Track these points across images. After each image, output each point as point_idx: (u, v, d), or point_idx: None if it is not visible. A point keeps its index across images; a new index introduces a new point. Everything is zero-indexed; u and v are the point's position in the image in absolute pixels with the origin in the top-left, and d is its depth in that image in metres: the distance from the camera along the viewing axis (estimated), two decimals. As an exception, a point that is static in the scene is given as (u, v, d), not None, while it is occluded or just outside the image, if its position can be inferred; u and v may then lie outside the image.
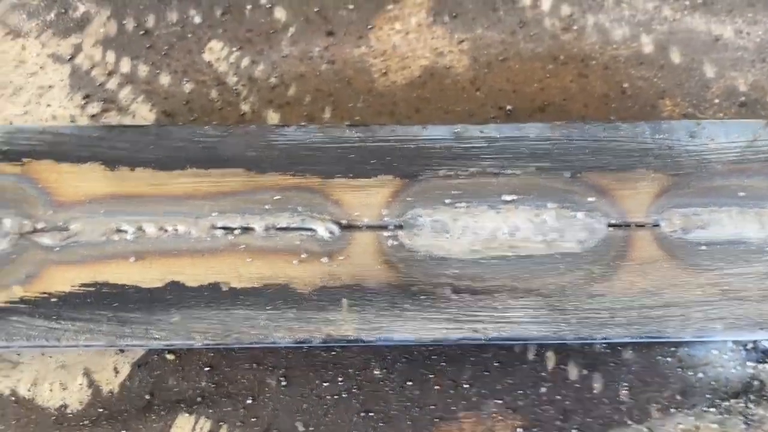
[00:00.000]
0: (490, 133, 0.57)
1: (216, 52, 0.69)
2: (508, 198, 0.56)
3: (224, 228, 0.55)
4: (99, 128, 0.57)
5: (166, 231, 0.54)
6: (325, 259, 0.54)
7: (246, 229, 0.55)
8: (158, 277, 0.53)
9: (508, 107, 0.68)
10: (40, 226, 0.54)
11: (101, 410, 0.60)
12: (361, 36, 0.69)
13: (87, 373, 0.61)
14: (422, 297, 0.53)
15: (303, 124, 0.59)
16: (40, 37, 0.69)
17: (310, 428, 0.60)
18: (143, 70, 0.68)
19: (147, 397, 0.60)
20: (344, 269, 0.54)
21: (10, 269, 0.53)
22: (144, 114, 0.66)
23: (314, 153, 0.56)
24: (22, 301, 0.53)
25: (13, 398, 0.60)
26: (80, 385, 0.60)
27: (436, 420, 0.60)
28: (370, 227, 0.55)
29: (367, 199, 0.55)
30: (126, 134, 0.56)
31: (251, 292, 0.53)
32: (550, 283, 0.54)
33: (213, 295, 0.53)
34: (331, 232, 0.54)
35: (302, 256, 0.54)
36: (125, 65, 0.68)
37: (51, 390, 0.60)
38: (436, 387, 0.61)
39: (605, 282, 0.53)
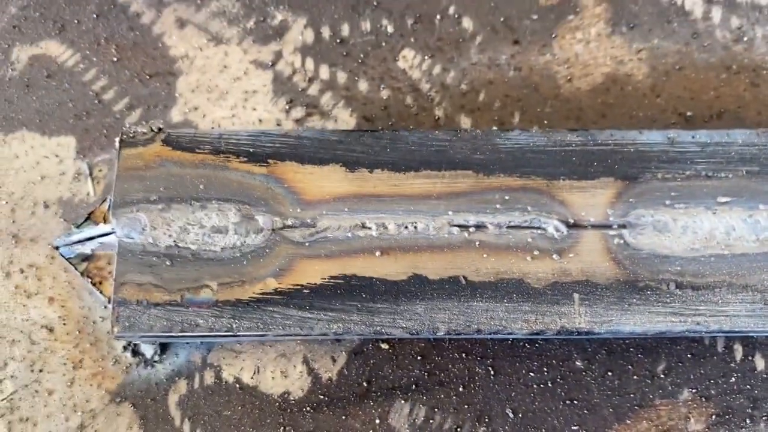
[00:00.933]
0: (701, 139, 0.61)
1: (409, 60, 0.72)
2: (723, 200, 0.59)
3: (459, 225, 0.58)
4: (337, 132, 0.60)
5: (406, 228, 0.58)
6: (555, 256, 0.58)
7: (479, 227, 0.58)
8: (402, 270, 0.57)
9: (688, 113, 0.72)
10: (289, 222, 0.58)
11: (322, 397, 0.63)
12: (545, 44, 0.73)
13: (306, 362, 0.64)
14: (648, 292, 0.57)
15: (526, 129, 0.63)
16: (242, 44, 0.72)
17: (519, 415, 0.63)
18: (342, 76, 0.71)
19: (364, 384, 0.64)
20: (574, 266, 0.58)
21: (264, 263, 0.57)
22: (345, 118, 0.70)
23: (538, 156, 0.60)
24: (276, 292, 0.56)
25: (238, 386, 0.64)
26: (300, 373, 0.64)
27: (635, 407, 0.64)
28: (595, 226, 0.59)
29: (591, 199, 0.59)
30: (363, 138, 0.60)
31: (488, 286, 0.57)
32: (766, 279, 0.57)
33: (453, 288, 0.57)
34: (559, 231, 0.58)
35: (534, 252, 0.58)
36: (324, 72, 0.72)
37: (273, 378, 0.64)
38: (634, 377, 0.65)
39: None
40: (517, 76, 0.72)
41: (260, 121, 0.70)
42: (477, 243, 0.58)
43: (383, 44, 0.73)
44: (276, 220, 0.58)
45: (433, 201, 0.59)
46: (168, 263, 0.56)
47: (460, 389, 0.64)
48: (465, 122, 0.70)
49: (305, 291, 0.56)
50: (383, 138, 0.60)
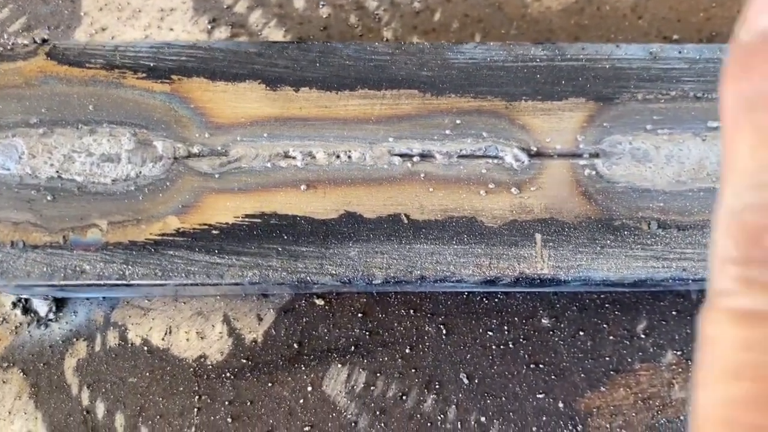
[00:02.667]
0: (689, 54, 0.51)
1: (354, -26, 0.62)
2: (714, 124, 0.50)
3: (402, 155, 0.49)
4: (257, 44, 0.50)
5: (338, 157, 0.48)
6: (514, 190, 0.48)
7: (425, 156, 0.49)
8: (332, 207, 0.47)
9: (674, 36, 0.62)
10: (195, 150, 0.48)
11: (245, 361, 0.54)
12: (509, -42, 0.63)
13: (227, 321, 0.55)
14: (625, 232, 0.48)
15: (482, 42, 0.53)
16: (159, -45, 0.62)
17: (475, 380, 0.54)
18: (274, -9, 0.61)
19: (295, 346, 0.54)
20: (536, 201, 0.48)
21: (164, 198, 0.47)
22: (277, 39, 0.60)
23: (496, 73, 0.50)
24: (178, 233, 0.47)
25: (146, 348, 0.54)
26: (220, 333, 0.54)
27: (611, 372, 0.55)
28: (562, 155, 0.49)
29: (558, 124, 0.50)
30: (287, 51, 0.50)
31: (434, 225, 0.47)
32: (764, 218, 0.48)
33: (393, 228, 0.47)
34: (519, 160, 0.48)
35: (489, 186, 0.48)
36: (254, -14, 0.61)
37: (188, 339, 0.54)
38: (610, 337, 0.56)
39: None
40: (479, -7, 0.62)
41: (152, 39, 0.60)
42: (422, 175, 0.48)
43: (324, -44, 0.63)
44: (179, 147, 0.48)
45: (371, 126, 0.49)
46: (49, 198, 0.47)
47: (407, 351, 0.55)
48: (417, 45, 0.60)
49: (214, 232, 0.47)
50: (312, 51, 0.50)
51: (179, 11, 0.61)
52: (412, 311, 0.56)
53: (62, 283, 0.46)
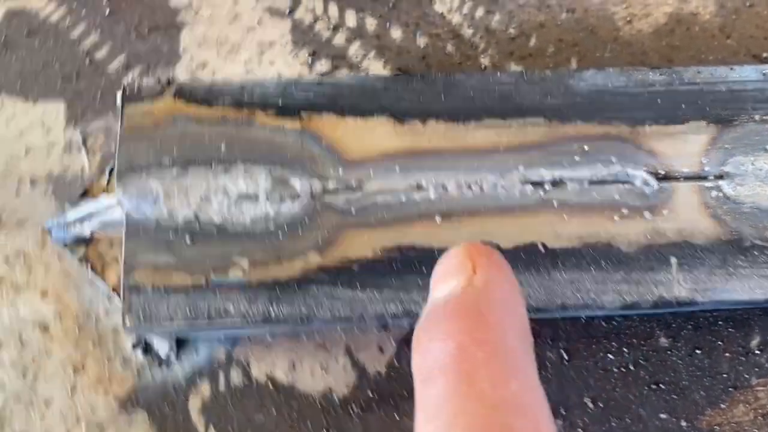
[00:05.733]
0: (801, 74, 0.52)
1: (447, 3, 0.63)
2: (832, 141, 0.51)
3: (533, 183, 0.49)
4: (382, 78, 0.51)
5: (470, 188, 0.49)
6: (647, 214, 0.49)
7: (557, 184, 0.49)
8: (468, 238, 0.48)
9: (763, 54, 0.63)
10: (331, 186, 0.48)
11: (371, 394, 0.54)
12: (598, -18, 0.64)
13: (349, 353, 0.55)
14: (755, 253, 0.48)
15: (601, 68, 0.53)
16: (254, -11, 0.62)
17: (600, 404, 0.55)
18: (371, 23, 0.62)
19: (419, 376, 0.54)
20: (669, 225, 0.49)
21: (303, 235, 0.47)
22: (377, 71, 0.61)
23: (619, 99, 0.51)
24: (320, 269, 0.47)
25: (271, 385, 0.54)
26: (343, 366, 0.55)
27: (729, 389, 0.55)
28: (688, 178, 0.50)
29: (682, 147, 0.50)
30: (413, 84, 0.51)
31: (571, 253, 0.48)
32: None
33: (530, 257, 0.48)
34: (649, 185, 0.49)
35: (623, 211, 0.49)
36: (351, 18, 0.62)
37: (312, 374, 0.54)
38: (726, 354, 0.56)
39: None
40: (571, 18, 0.63)
41: (279, 76, 0.60)
42: (555, 203, 0.49)
43: (417, -14, 0.63)
44: (314, 184, 0.48)
45: (500, 155, 0.49)
46: (188, 240, 0.47)
47: (530, 377, 0.55)
48: (515, 70, 0.61)
49: (354, 267, 0.47)
50: (436, 83, 0.51)
51: (278, 45, 0.61)
52: (534, 338, 0.56)
53: (207, 324, 0.46)
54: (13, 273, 0.56)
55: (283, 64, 0.61)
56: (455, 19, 0.63)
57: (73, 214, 0.52)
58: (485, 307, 0.32)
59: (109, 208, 0.49)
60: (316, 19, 0.63)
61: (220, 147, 0.49)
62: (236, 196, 0.48)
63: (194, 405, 0.54)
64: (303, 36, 0.62)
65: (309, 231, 0.48)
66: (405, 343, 0.56)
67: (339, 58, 0.62)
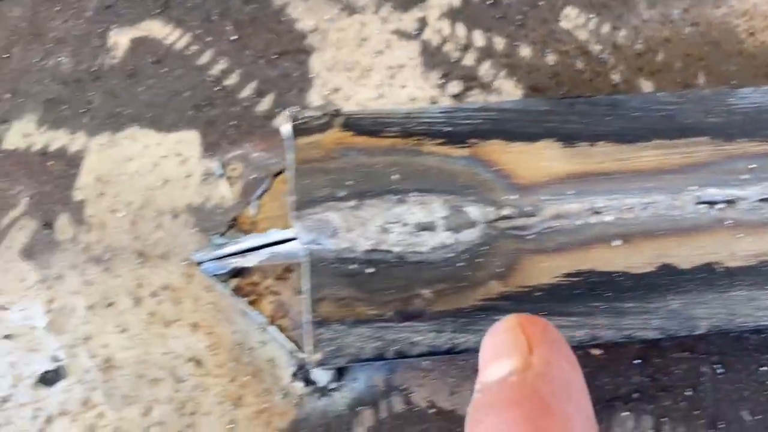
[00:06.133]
0: None
1: (573, 20, 0.63)
2: None
3: (706, 203, 0.49)
4: (545, 101, 0.51)
5: (644, 209, 0.49)
6: (818, 230, 0.49)
7: (729, 202, 0.49)
8: (647, 260, 0.48)
9: None
10: (505, 212, 0.48)
11: (531, 415, 0.54)
12: (719, -5, 0.64)
13: (506, 376, 0.54)
14: None
15: (757, 86, 0.54)
16: (379, 12, 0.62)
17: (757, 416, 0.55)
18: (499, 42, 0.62)
19: (578, 397, 0.54)
20: (841, 240, 0.49)
21: (483, 262, 0.47)
22: (509, 89, 0.60)
23: (779, 115, 0.51)
24: (502, 296, 0.47)
25: (434, 411, 0.54)
26: (501, 389, 0.54)
27: None
28: None
29: None
30: (577, 106, 0.50)
31: (748, 271, 0.48)
32: None
33: (709, 277, 0.48)
34: (816, 200, 0.49)
35: (794, 227, 0.49)
36: (479, 38, 0.62)
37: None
38: None
39: None
40: (695, 32, 0.63)
41: (412, 99, 0.60)
42: (729, 221, 0.49)
43: (541, 3, 0.63)
44: (490, 211, 0.48)
45: (671, 176, 0.49)
46: (370, 271, 0.46)
47: (687, 393, 0.55)
48: (646, 86, 0.61)
49: (536, 293, 0.47)
50: (600, 104, 0.51)
51: (408, 67, 0.61)
52: (686, 353, 0.56)
53: (395, 356, 0.45)
54: (161, 307, 0.56)
55: (414, 87, 0.61)
56: (582, 35, 0.63)
57: (231, 246, 0.51)
58: (547, 392, 0.29)
59: (286, 241, 0.48)
60: (444, 40, 0.62)
61: (392, 177, 0.48)
62: (414, 225, 0.47)
63: (357, 434, 0.54)
64: (432, 57, 0.62)
65: (488, 258, 0.47)
66: (561, 363, 0.56)
67: (470, 78, 0.62)
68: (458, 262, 0.47)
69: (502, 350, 0.31)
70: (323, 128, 0.49)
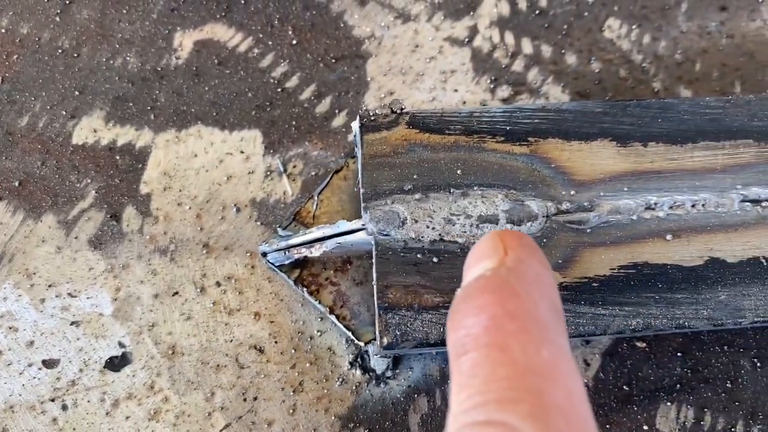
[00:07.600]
0: None
1: (615, 30, 0.66)
2: None
3: (751, 201, 0.52)
4: (600, 103, 0.54)
5: (694, 206, 0.52)
6: None
7: (772, 201, 0.52)
8: (697, 254, 0.50)
9: None
10: (564, 207, 0.51)
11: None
12: (753, 9, 0.67)
13: (555, 367, 0.57)
14: None
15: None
16: (432, 19, 0.65)
17: (796, 410, 0.57)
18: (546, 50, 0.65)
19: (625, 388, 0.57)
20: None
21: (544, 254, 0.49)
22: (556, 95, 0.63)
23: (820, 120, 0.54)
24: (562, 287, 0.49)
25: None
26: (550, 380, 0.56)
27: None
28: None
29: None
30: (630, 108, 0.53)
31: (792, 266, 0.51)
32: None
33: (755, 271, 0.50)
34: None
35: (835, 225, 0.52)
36: (527, 46, 0.65)
37: (521, 387, 0.56)
38: None
39: None
40: (731, 43, 0.67)
41: (464, 102, 0.63)
42: (772, 219, 0.51)
43: (585, 14, 0.66)
44: (549, 206, 0.51)
45: (718, 175, 0.52)
46: (435, 260, 0.49)
47: (727, 385, 0.57)
48: (685, 94, 0.64)
49: (594, 284, 0.49)
50: (651, 107, 0.53)
51: (460, 72, 0.64)
52: (725, 347, 0.58)
53: (460, 341, 0.48)
54: (225, 297, 0.58)
55: (466, 91, 0.64)
56: (624, 45, 0.66)
57: (299, 237, 0.54)
58: (516, 282, 0.32)
59: (355, 231, 0.51)
60: (494, 47, 0.65)
61: (455, 172, 0.51)
62: (477, 218, 0.50)
63: (414, 420, 0.56)
64: (482, 63, 0.65)
65: (548, 250, 0.50)
66: (608, 356, 0.58)
67: (519, 84, 0.64)
68: (519, 254, 0.50)
69: (481, 255, 0.35)
70: (390, 125, 0.52)
